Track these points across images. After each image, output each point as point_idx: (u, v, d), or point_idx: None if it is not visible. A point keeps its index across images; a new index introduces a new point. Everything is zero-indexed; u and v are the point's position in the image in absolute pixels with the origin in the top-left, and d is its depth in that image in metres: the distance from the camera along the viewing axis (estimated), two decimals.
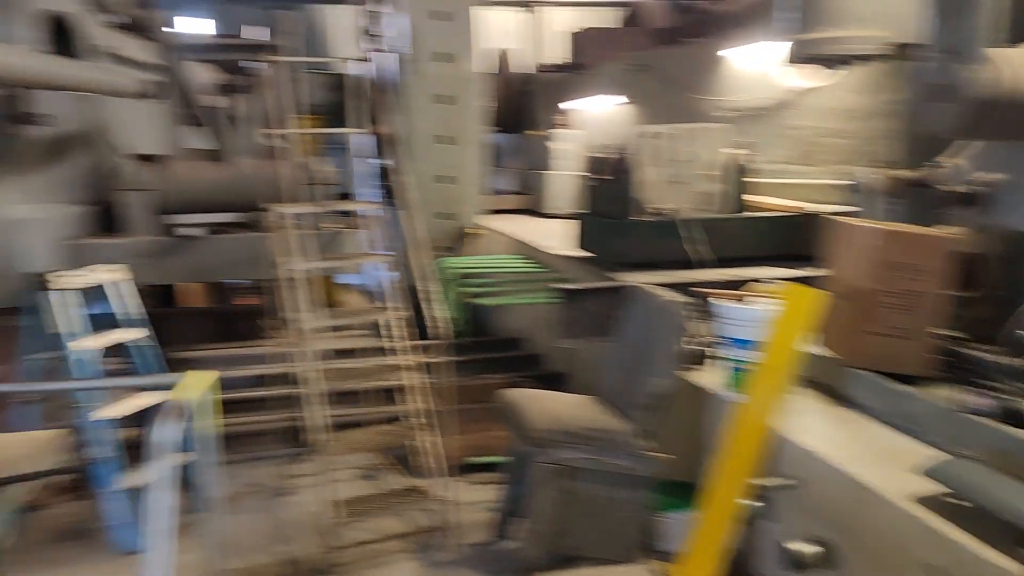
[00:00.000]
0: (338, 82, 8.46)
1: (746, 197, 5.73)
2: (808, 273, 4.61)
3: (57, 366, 5.16)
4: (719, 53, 7.51)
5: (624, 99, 9.55)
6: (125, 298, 5.20)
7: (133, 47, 7.21)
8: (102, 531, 4.83)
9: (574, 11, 16.29)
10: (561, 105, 10.85)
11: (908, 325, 3.29)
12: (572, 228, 6.34)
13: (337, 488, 4.71)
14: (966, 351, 3.17)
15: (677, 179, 5.49)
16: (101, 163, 6.53)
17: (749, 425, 3.34)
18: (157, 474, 1.74)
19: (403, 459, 5.48)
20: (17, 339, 5.09)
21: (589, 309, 4.81)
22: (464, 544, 4.64)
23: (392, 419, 5.29)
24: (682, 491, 3.91)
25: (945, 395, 3.08)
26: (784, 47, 5.84)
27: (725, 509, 3.27)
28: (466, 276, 6.47)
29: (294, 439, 5.89)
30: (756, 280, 4.18)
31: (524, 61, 12.86)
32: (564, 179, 9.45)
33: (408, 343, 5.07)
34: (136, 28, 7.34)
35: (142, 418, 5.61)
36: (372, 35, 8.92)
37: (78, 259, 5.50)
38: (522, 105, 11.70)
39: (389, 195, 8.46)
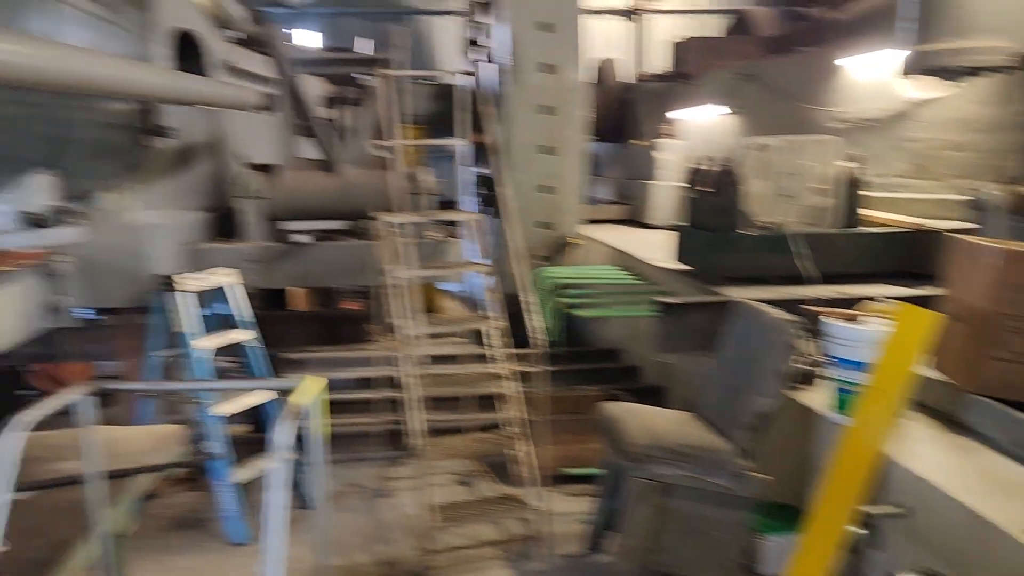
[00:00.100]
0: (441, 92, 8.65)
1: (859, 212, 5.53)
2: (924, 293, 4.41)
3: (177, 363, 5.46)
4: (834, 62, 7.27)
5: (729, 109, 9.38)
6: (238, 300, 5.46)
7: (251, 61, 7.58)
8: (214, 522, 5.09)
9: (677, 19, 16.12)
10: (663, 115, 10.75)
11: None
12: (672, 240, 6.26)
13: (434, 492, 4.79)
14: None
15: (785, 192, 5.35)
16: (220, 172, 6.89)
17: (857, 449, 3.21)
18: (274, 474, 1.83)
19: (498, 467, 5.53)
20: (143, 336, 5.41)
21: (690, 323, 4.73)
22: (557, 555, 4.65)
23: (489, 427, 5.35)
24: (784, 514, 3.79)
25: None
26: (903, 56, 5.61)
27: (829, 535, 3.16)
28: (564, 286, 6.48)
29: (394, 442, 6.04)
30: (868, 299, 4.02)
31: (625, 70, 12.80)
32: (665, 189, 9.35)
33: (505, 351, 5.12)
34: (254, 43, 7.72)
35: (253, 415, 5.89)
36: (476, 46, 9.07)
37: (197, 263, 5.81)
38: (623, 114, 11.64)
39: (489, 204, 8.57)
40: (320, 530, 2.36)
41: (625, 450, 3.95)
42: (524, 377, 5.16)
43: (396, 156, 5.90)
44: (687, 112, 10.36)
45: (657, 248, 6.95)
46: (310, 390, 1.98)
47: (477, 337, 6.32)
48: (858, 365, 3.47)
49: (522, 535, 4.80)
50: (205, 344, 5.11)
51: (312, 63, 7.25)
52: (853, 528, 3.10)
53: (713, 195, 5.55)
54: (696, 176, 5.88)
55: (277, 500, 1.79)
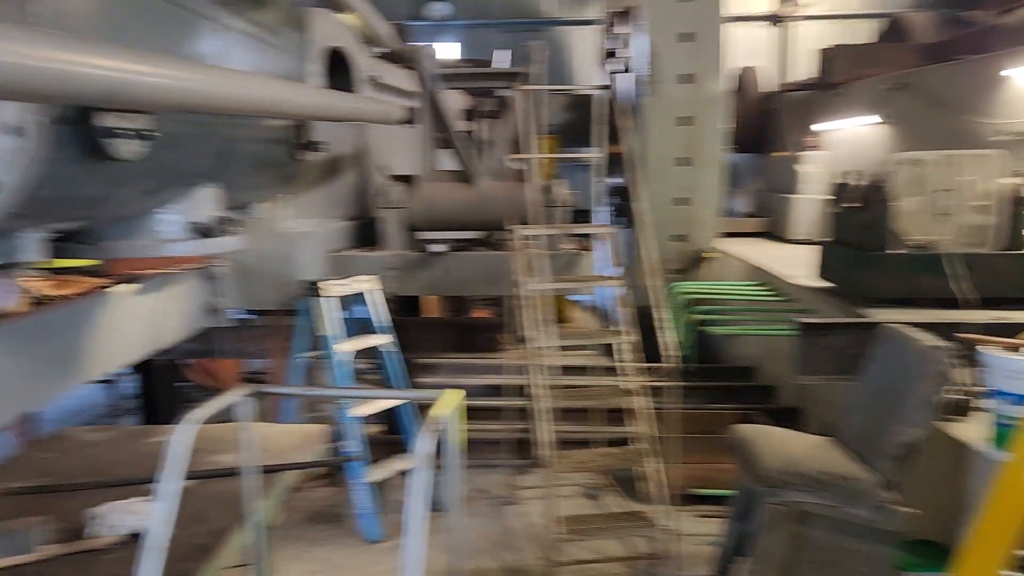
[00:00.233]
0: (577, 102, 8.68)
1: None
2: None
3: (319, 364, 5.75)
4: (999, 72, 6.78)
5: (879, 120, 8.92)
6: (377, 306, 5.68)
7: (395, 75, 7.88)
8: (350, 518, 5.32)
9: (824, 25, 15.49)
10: (807, 125, 10.35)
11: None
12: (814, 256, 6.02)
13: (560, 504, 4.82)
14: None
15: (941, 210, 5.03)
16: (363, 183, 7.19)
17: (1015, 487, 2.98)
18: (415, 483, 1.91)
19: (626, 482, 5.49)
20: (290, 337, 5.74)
21: (832, 345, 4.54)
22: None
23: (617, 441, 5.32)
24: (931, 551, 3.57)
25: None
26: None
27: None
28: (698, 301, 6.35)
29: (522, 451, 6.10)
30: None
31: (767, 79, 12.41)
32: (808, 203, 9.00)
33: (636, 366, 5.08)
34: (397, 58, 8.02)
35: (386, 416, 6.11)
36: (613, 56, 9.06)
37: (340, 269, 6.10)
38: (764, 124, 11.31)
39: (622, 214, 8.52)
40: (455, 534, 2.43)
41: (759, 474, 3.83)
42: (655, 392, 5.10)
43: (532, 169, 5.98)
44: (833, 123, 9.93)
45: (797, 264, 6.70)
46: (450, 402, 2.05)
47: (608, 349, 6.30)
48: (1019, 399, 3.23)
49: (648, 553, 4.74)
50: (346, 347, 5.35)
51: (452, 77, 7.44)
52: (1008, 572, 2.88)
53: (860, 211, 5.30)
54: (842, 190, 5.63)
55: (417, 507, 1.87)
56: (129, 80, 1.82)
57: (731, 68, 11.09)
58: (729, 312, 6.09)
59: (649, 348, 5.23)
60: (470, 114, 8.12)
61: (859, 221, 5.31)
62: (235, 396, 2.45)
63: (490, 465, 6.10)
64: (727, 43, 8.22)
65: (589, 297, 9.83)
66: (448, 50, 18.39)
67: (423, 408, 5.92)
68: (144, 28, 2.62)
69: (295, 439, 3.68)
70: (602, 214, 8.31)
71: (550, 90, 7.67)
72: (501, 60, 11.90)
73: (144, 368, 7.13)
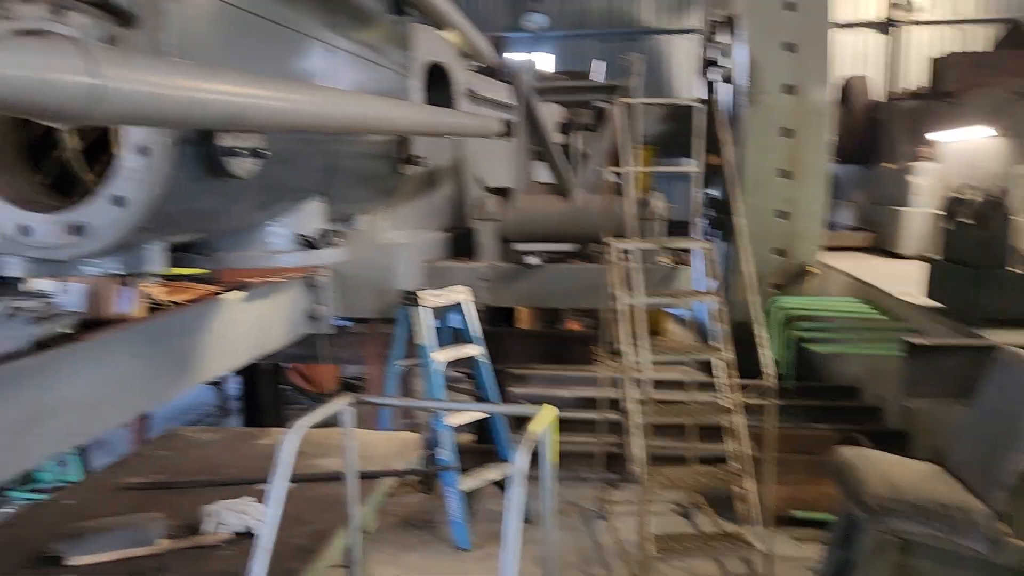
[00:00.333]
0: (674, 112, 8.58)
1: None
2: None
3: (415, 372, 5.87)
4: None
5: (997, 132, 8.46)
6: (471, 316, 5.76)
7: (492, 88, 8.00)
8: (441, 525, 5.40)
9: (938, 31, 14.85)
10: (919, 136, 9.92)
11: None
12: (923, 273, 5.76)
13: (652, 521, 4.76)
14: None
15: None
16: (459, 194, 7.32)
17: None
18: (511, 498, 1.94)
19: (720, 501, 5.37)
20: (387, 345, 5.88)
21: (942, 367, 4.34)
22: None
23: (713, 459, 5.22)
24: None
25: None
26: None
27: None
28: (799, 317, 6.18)
29: (613, 465, 6.06)
30: None
31: (874, 88, 11.97)
32: (919, 217, 8.62)
33: (733, 382, 4.98)
34: (494, 71, 8.13)
35: (476, 425, 6.19)
36: (713, 66, 8.92)
37: (436, 279, 6.22)
38: (871, 135, 10.90)
39: (719, 226, 8.36)
40: (547, 547, 2.45)
41: (863, 499, 3.70)
42: (752, 410, 4.98)
43: (628, 182, 5.95)
44: (947, 134, 9.48)
45: (905, 281, 6.43)
46: (545, 418, 2.07)
47: (704, 364, 6.19)
48: None
49: None
50: (441, 357, 5.45)
51: (549, 90, 7.49)
52: None
53: (976, 227, 5.05)
54: (956, 205, 5.38)
55: (513, 520, 1.89)
56: (249, 105, 1.92)
57: (836, 76, 10.76)
58: (832, 330, 5.89)
59: (747, 364, 5.11)
60: (566, 126, 8.14)
61: (975, 237, 5.06)
62: (339, 404, 2.54)
63: (581, 478, 6.08)
64: (833, 51, 7.97)
65: (686, 311, 9.69)
66: (543, 61, 18.49)
67: (516, 419, 5.97)
68: (261, 51, 2.76)
69: (392, 446, 3.78)
70: (701, 227, 8.18)
71: (648, 103, 7.61)
72: (597, 71, 11.90)
73: (247, 371, 7.44)
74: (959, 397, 4.10)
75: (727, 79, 8.38)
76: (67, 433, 3.01)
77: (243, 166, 2.48)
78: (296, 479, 2.64)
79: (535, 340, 7.74)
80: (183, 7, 2.20)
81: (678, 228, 7.22)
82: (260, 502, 2.88)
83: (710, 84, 8.93)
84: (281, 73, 2.96)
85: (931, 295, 5.56)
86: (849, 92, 11.31)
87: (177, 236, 2.87)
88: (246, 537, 2.72)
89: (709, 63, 9.09)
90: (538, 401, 6.64)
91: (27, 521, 3.11)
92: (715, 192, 8.36)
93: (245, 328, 4.50)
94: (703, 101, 7.18)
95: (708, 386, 5.68)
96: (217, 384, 8.90)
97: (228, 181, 2.48)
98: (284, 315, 5.05)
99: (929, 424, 5.38)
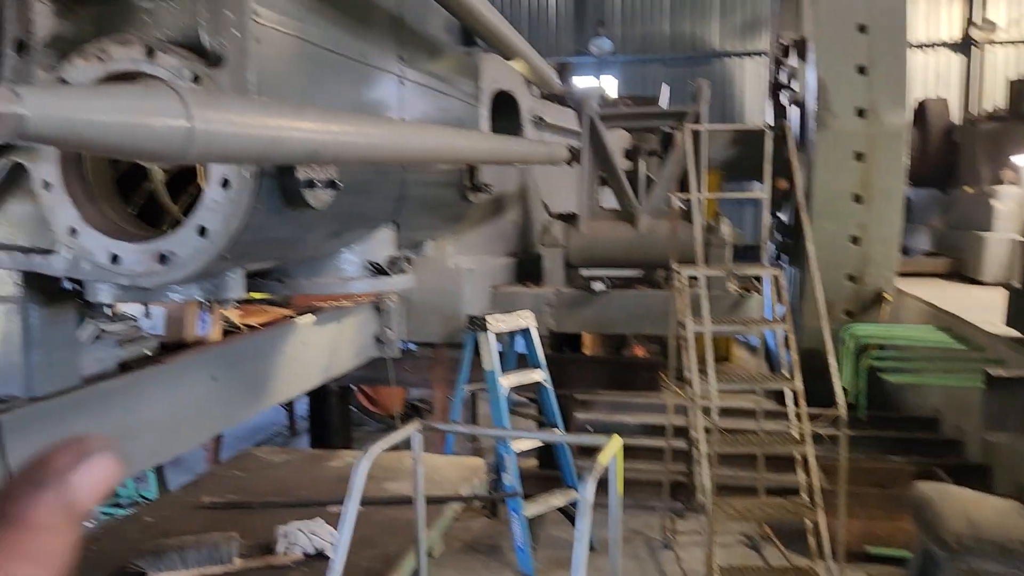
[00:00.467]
0: (742, 136, 8.49)
1: None
2: None
3: (479, 396, 5.92)
4: None
5: None
6: (536, 342, 5.78)
7: (559, 114, 8.05)
8: (505, 550, 5.40)
9: (1016, 51, 14.40)
10: (1002, 159, 9.58)
11: None
12: (1004, 300, 5.55)
13: (718, 553, 4.67)
14: None
15: None
16: (524, 220, 7.38)
17: None
18: (580, 527, 1.94)
19: (790, 534, 5.24)
20: (453, 369, 5.94)
21: None
22: None
23: (782, 491, 5.10)
24: None
25: None
26: None
27: None
28: (873, 346, 6.01)
29: (679, 494, 5.97)
30: None
31: (949, 110, 11.63)
32: (1000, 243, 8.32)
33: (804, 411, 4.87)
34: (560, 98, 8.18)
35: (541, 451, 6.18)
36: (783, 88, 8.81)
37: (502, 305, 6.26)
38: (947, 158, 10.58)
39: (787, 251, 8.21)
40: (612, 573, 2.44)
41: (941, 537, 3.57)
42: (824, 441, 4.86)
43: (695, 208, 5.91)
44: None
45: (986, 309, 6.21)
46: (613, 448, 2.08)
47: (773, 392, 6.07)
48: None
49: None
50: (507, 382, 5.48)
51: (615, 117, 7.51)
52: None
53: None
54: None
55: (581, 550, 1.90)
56: (328, 140, 2.00)
57: (912, 98, 10.50)
58: (908, 359, 5.72)
59: (818, 392, 5.00)
60: (633, 152, 8.14)
61: None
62: (409, 430, 2.58)
63: (646, 506, 6.01)
64: (909, 72, 7.79)
65: (755, 338, 9.53)
66: (608, 85, 18.55)
67: (581, 446, 5.95)
68: (338, 85, 2.86)
69: (458, 471, 3.81)
70: (770, 253, 8.05)
71: (715, 128, 7.56)
72: (665, 96, 11.88)
73: (317, 392, 7.60)
74: None
75: (797, 102, 8.27)
76: (150, 451, 3.14)
77: (319, 197, 2.56)
78: (366, 502, 2.69)
79: (600, 366, 7.70)
80: (264, 47, 2.30)
81: (747, 253, 7.12)
82: (330, 524, 2.94)
83: (779, 107, 8.83)
84: (357, 106, 3.05)
85: (1012, 324, 5.35)
86: (925, 114, 11.01)
87: (255, 264, 2.97)
88: (316, 558, 2.78)
89: (778, 86, 8.98)
90: (603, 427, 6.67)
91: (111, 536, 3.24)
92: (784, 217, 8.23)
93: (316, 351, 4.61)
94: (771, 126, 7.09)
95: (777, 415, 5.57)
96: (287, 405, 9.10)
97: (304, 211, 2.56)
98: (353, 338, 5.16)
99: (1011, 459, 5.16)
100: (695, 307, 5.19)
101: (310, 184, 2.47)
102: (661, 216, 6.75)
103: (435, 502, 3.12)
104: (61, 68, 2.24)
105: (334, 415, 7.90)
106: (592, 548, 4.87)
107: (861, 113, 7.37)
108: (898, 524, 4.75)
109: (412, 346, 6.43)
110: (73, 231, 2.40)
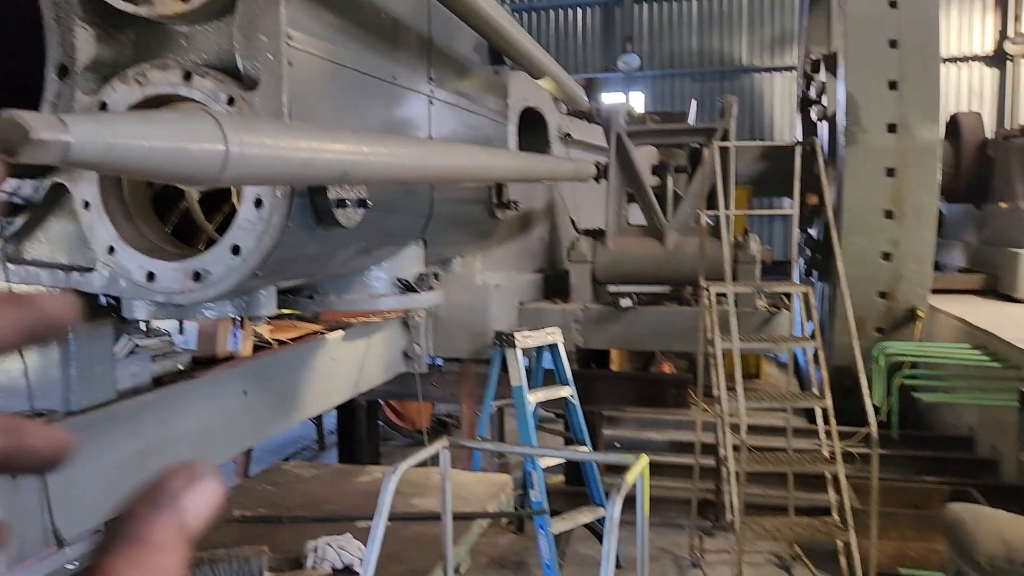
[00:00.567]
0: (771, 152, 8.45)
1: None
2: None
3: (506, 411, 5.92)
4: None
5: None
6: (562, 358, 5.78)
7: (586, 130, 8.08)
8: (531, 567, 5.39)
9: None
10: None
11: None
12: None
13: (747, 572, 4.62)
14: None
15: None
16: (552, 236, 7.39)
17: None
18: (607, 546, 1.94)
19: (820, 555, 5.17)
20: (480, 384, 5.96)
21: None
22: None
23: (812, 510, 5.04)
24: None
25: None
26: None
27: None
28: (906, 363, 5.93)
29: (707, 512, 5.92)
30: None
31: (983, 123, 11.47)
32: None
33: (834, 430, 4.81)
34: (587, 114, 8.21)
35: (567, 467, 6.16)
36: (812, 103, 8.77)
37: (530, 321, 6.27)
38: (981, 172, 10.43)
39: (817, 268, 8.14)
40: None
41: (976, 560, 3.51)
42: (855, 460, 4.80)
43: (723, 224, 5.89)
44: None
45: (1020, 326, 6.11)
46: (639, 467, 2.08)
47: (803, 409, 6.01)
48: None
49: None
50: (533, 398, 5.48)
51: (642, 134, 7.52)
52: None
53: None
54: None
55: (608, 568, 1.90)
56: (359, 161, 2.04)
57: (943, 113, 10.38)
58: (942, 377, 5.64)
59: (849, 410, 4.94)
60: (660, 168, 8.14)
61: None
62: (437, 447, 2.60)
63: (674, 524, 5.96)
64: (941, 87, 7.71)
65: (784, 355, 9.44)
66: (636, 101, 18.56)
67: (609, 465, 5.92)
68: (369, 106, 2.90)
69: (485, 487, 3.82)
70: (799, 269, 7.99)
71: (744, 146, 7.53)
72: (692, 110, 11.86)
73: (345, 406, 7.65)
74: None
75: (827, 117, 8.23)
76: None
77: (349, 216, 2.60)
78: (394, 518, 2.71)
79: (628, 382, 7.67)
80: (297, 69, 2.35)
81: (776, 269, 7.07)
82: (358, 539, 2.96)
83: (809, 123, 8.78)
84: (387, 126, 3.10)
85: None
86: (958, 128, 10.88)
87: (287, 281, 3.02)
88: (345, 573, 2.80)
89: (808, 101, 8.94)
90: (631, 444, 6.63)
91: None
92: (814, 232, 8.16)
93: (345, 366, 4.66)
94: (799, 142, 7.06)
95: (807, 433, 5.52)
96: (316, 419, 9.17)
97: (335, 230, 2.60)
98: (382, 354, 5.20)
99: None
100: (723, 324, 5.17)
101: (340, 203, 2.51)
102: (689, 232, 6.74)
103: (462, 518, 3.13)
104: (102, 91, 2.30)
105: (362, 429, 7.95)
106: (619, 566, 4.85)
107: (892, 128, 7.30)
108: (931, 545, 4.67)
109: (440, 361, 6.46)
110: (111, 249, 2.46)
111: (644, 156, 8.16)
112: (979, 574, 3.46)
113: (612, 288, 6.82)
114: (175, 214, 3.03)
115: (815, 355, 5.09)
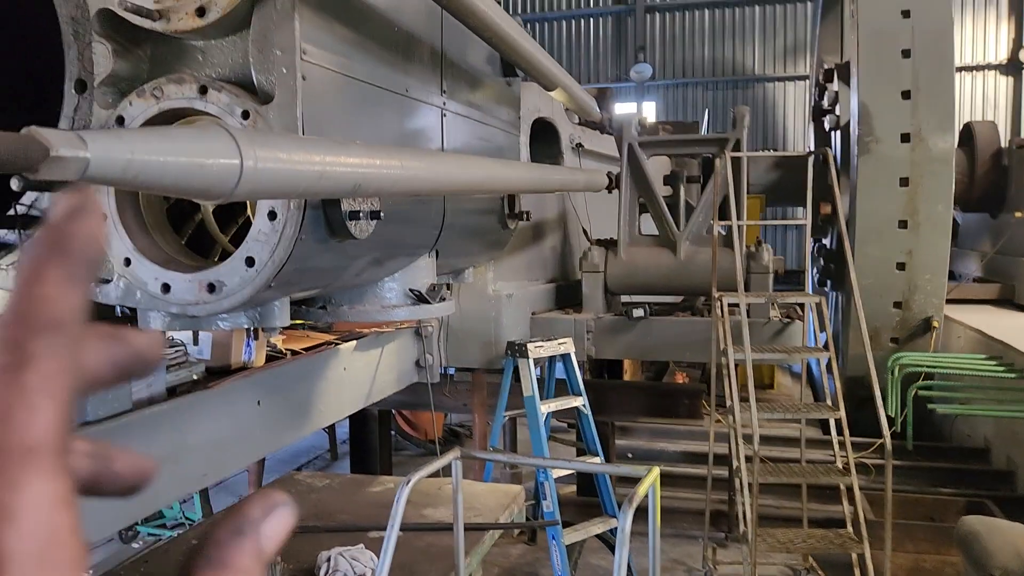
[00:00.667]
0: (784, 161, 8.44)
1: None
2: None
3: (519, 422, 5.92)
4: None
5: None
6: (574, 368, 5.78)
7: (598, 140, 8.09)
8: None
9: None
10: None
11: None
12: None
13: None
14: None
15: None
16: (563, 246, 7.40)
17: None
18: (618, 558, 1.95)
19: (834, 566, 5.14)
20: (492, 394, 5.96)
21: None
22: None
23: (826, 521, 5.01)
24: None
25: None
26: None
27: None
28: (921, 374, 5.89)
29: (720, 523, 5.89)
30: None
31: (997, 132, 11.40)
32: None
33: (848, 441, 4.78)
34: (599, 125, 8.22)
35: (577, 476, 6.15)
36: (825, 112, 8.75)
37: (542, 331, 6.28)
38: (995, 181, 10.36)
39: (830, 278, 8.10)
40: None
41: (991, 572, 3.48)
42: (870, 471, 4.77)
43: (736, 235, 5.88)
44: None
45: None
46: (651, 479, 2.08)
47: (817, 420, 5.97)
48: None
49: None
50: (545, 408, 5.48)
51: (654, 144, 7.52)
52: None
53: None
54: None
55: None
56: (372, 174, 2.06)
57: (957, 123, 10.32)
58: (957, 388, 5.60)
59: (863, 422, 4.91)
60: (673, 177, 8.14)
61: None
62: (449, 458, 2.61)
63: (687, 535, 5.94)
64: (955, 96, 7.68)
65: (797, 365, 9.39)
66: (648, 111, 18.57)
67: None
68: (382, 118, 2.93)
69: (498, 498, 3.82)
70: (812, 279, 7.96)
71: (756, 156, 7.53)
72: (705, 120, 11.86)
73: (357, 416, 7.67)
74: None
75: (839, 127, 8.21)
76: (196, 474, 3.21)
77: (362, 228, 2.63)
78: (406, 528, 2.71)
79: (640, 392, 7.66)
80: (311, 83, 2.38)
81: (789, 278, 7.05)
82: (371, 549, 2.97)
83: (821, 132, 8.77)
84: (399, 138, 3.13)
85: None
86: (972, 137, 10.83)
87: (300, 292, 3.05)
88: None
89: (821, 111, 8.93)
90: (643, 454, 6.61)
91: (157, 560, 3.31)
92: (827, 242, 8.13)
93: (357, 376, 4.68)
94: (812, 152, 7.05)
95: (821, 444, 5.48)
96: (329, 428, 9.19)
97: (348, 242, 2.63)
98: (394, 364, 5.22)
99: None
100: (736, 334, 5.15)
101: (353, 215, 2.53)
102: (701, 243, 6.73)
103: (474, 529, 3.14)
104: (119, 106, 2.33)
105: (375, 439, 7.97)
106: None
107: (906, 138, 7.28)
108: (946, 558, 4.63)
109: (452, 371, 6.47)
110: (127, 261, 2.49)
111: (656, 166, 8.17)
112: None
113: (624, 298, 6.81)
114: (190, 226, 3.06)
115: (828, 365, 5.07)
